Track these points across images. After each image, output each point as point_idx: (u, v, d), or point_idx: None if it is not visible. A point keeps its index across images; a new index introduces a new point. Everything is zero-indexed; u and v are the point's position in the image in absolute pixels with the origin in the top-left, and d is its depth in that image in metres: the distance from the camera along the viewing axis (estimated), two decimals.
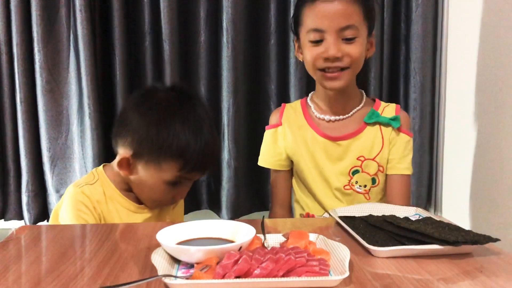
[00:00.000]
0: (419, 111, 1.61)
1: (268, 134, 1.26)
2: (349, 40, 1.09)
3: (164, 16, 1.52)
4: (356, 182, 1.19)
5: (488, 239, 0.73)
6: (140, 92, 1.10)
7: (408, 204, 1.17)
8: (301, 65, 1.56)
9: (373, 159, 1.17)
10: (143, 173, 1.04)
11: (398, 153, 1.18)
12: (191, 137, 1.00)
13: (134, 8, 1.56)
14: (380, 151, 1.17)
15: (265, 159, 1.27)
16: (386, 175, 1.20)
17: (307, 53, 1.13)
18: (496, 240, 0.73)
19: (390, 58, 1.65)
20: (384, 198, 1.21)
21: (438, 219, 0.84)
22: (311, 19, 1.10)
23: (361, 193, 1.19)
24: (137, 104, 1.05)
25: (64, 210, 1.04)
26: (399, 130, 1.18)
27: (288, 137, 1.22)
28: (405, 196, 1.18)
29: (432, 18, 1.59)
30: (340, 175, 1.19)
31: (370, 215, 0.89)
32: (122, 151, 1.05)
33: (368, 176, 1.19)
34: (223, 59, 1.56)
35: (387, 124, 1.18)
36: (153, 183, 1.04)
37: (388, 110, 1.21)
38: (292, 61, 1.59)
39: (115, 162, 1.08)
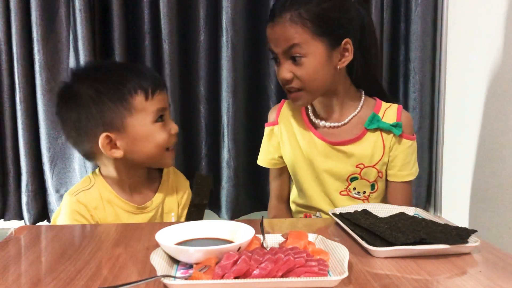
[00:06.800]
0: (418, 111, 1.61)
1: (266, 131, 1.25)
2: (296, 61, 1.06)
3: (164, 16, 1.52)
4: (354, 189, 1.16)
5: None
6: (58, 99, 1.06)
7: None
8: None
9: (373, 166, 1.14)
10: (132, 131, 1.01)
11: (399, 160, 1.14)
12: (129, 70, 1.06)
13: (134, 8, 1.56)
14: (381, 158, 1.14)
15: (261, 158, 1.26)
16: (387, 181, 1.18)
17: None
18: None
19: (390, 58, 1.64)
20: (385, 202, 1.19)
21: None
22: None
23: (359, 199, 1.17)
24: (64, 106, 1.04)
25: (61, 220, 1.03)
26: (401, 136, 1.14)
27: (284, 138, 1.20)
28: (406, 203, 1.16)
29: (432, 17, 1.59)
30: (337, 180, 1.16)
31: (363, 214, 0.89)
32: (99, 141, 1.01)
33: (367, 183, 1.16)
34: (223, 59, 1.56)
35: (388, 131, 1.13)
36: (145, 131, 1.01)
37: (390, 113, 1.15)
38: None
39: (104, 163, 1.06)
